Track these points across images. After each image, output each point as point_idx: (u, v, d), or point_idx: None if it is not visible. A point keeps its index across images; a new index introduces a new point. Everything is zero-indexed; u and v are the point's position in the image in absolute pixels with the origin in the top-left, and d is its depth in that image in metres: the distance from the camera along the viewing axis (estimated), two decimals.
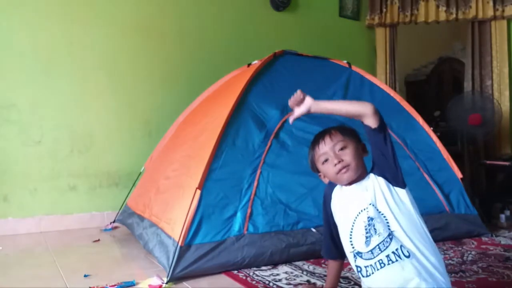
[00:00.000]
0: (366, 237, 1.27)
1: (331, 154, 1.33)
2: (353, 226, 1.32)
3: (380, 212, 1.27)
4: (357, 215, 1.30)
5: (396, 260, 1.23)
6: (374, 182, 1.31)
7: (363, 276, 1.31)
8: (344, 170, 1.31)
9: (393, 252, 1.24)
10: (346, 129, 1.40)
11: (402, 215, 1.27)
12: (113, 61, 3.13)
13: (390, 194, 1.29)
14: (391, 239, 1.25)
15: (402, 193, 1.30)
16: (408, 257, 1.22)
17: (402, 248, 1.23)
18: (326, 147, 1.35)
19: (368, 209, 1.28)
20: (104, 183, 3.08)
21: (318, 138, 1.38)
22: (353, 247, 1.32)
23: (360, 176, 1.34)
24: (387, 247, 1.24)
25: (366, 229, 1.27)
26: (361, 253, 1.29)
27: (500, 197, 3.27)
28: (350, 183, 1.34)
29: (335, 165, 1.31)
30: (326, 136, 1.36)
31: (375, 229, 1.26)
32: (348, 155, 1.32)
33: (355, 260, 1.32)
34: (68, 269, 2.00)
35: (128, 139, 3.16)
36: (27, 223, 2.83)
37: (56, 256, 2.24)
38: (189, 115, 2.90)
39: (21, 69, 2.85)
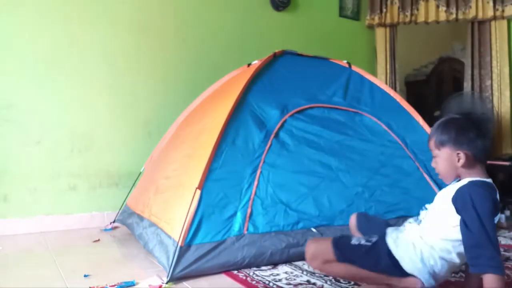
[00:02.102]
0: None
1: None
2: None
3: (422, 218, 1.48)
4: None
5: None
6: (448, 195, 1.35)
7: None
8: (440, 176, 1.43)
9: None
10: (444, 133, 1.38)
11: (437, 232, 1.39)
12: (113, 61, 3.13)
13: (448, 211, 1.34)
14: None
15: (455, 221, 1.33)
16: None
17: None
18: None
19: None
20: (104, 183, 3.08)
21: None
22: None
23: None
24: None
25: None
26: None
27: (500, 197, 3.27)
28: None
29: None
30: (429, 140, 1.43)
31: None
32: (439, 165, 1.41)
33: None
34: (68, 269, 2.00)
35: (128, 139, 3.16)
36: (27, 223, 2.83)
37: (56, 256, 2.24)
38: (189, 115, 2.90)
39: (21, 69, 2.85)
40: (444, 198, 1.37)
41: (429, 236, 1.40)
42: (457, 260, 1.38)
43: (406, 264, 1.40)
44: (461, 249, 1.31)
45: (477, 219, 1.23)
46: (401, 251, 1.41)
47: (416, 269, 1.38)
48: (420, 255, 1.39)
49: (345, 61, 2.88)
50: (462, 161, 1.34)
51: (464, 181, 1.35)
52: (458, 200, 1.29)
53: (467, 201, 1.26)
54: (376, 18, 4.08)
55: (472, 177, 1.35)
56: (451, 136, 1.35)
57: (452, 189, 1.35)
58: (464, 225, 1.26)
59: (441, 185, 2.57)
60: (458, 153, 1.34)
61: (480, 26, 3.99)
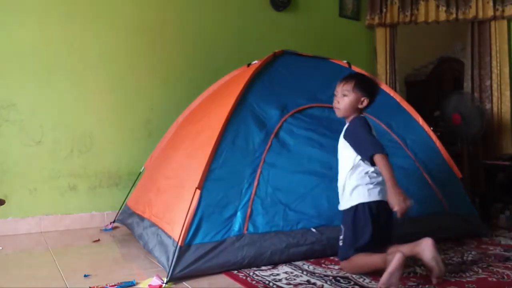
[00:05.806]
0: None
1: (337, 94, 1.90)
2: None
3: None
4: None
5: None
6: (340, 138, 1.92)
7: None
8: (336, 111, 1.92)
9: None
10: (363, 83, 1.87)
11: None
12: (113, 61, 3.13)
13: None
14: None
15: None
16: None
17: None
18: (338, 88, 1.90)
19: None
20: (104, 183, 3.08)
21: (343, 78, 1.90)
22: None
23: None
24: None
25: None
26: None
27: (500, 197, 3.27)
28: None
29: (334, 102, 1.92)
30: (343, 81, 1.89)
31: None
32: (344, 102, 1.87)
33: None
34: (68, 269, 2.00)
35: (128, 139, 3.16)
36: (27, 223, 2.83)
37: (56, 256, 2.24)
38: (189, 115, 2.90)
39: (21, 69, 2.85)
40: (340, 141, 1.91)
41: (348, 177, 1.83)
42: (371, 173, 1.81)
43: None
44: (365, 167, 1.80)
45: (354, 131, 1.83)
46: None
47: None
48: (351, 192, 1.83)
49: (345, 61, 2.87)
50: (364, 104, 1.88)
51: (350, 120, 1.88)
52: (347, 134, 1.86)
53: (350, 129, 1.86)
54: (376, 18, 4.08)
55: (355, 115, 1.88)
56: (366, 87, 1.87)
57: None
58: (352, 141, 1.83)
59: (441, 186, 2.57)
60: (363, 99, 1.86)
61: (480, 26, 3.98)
